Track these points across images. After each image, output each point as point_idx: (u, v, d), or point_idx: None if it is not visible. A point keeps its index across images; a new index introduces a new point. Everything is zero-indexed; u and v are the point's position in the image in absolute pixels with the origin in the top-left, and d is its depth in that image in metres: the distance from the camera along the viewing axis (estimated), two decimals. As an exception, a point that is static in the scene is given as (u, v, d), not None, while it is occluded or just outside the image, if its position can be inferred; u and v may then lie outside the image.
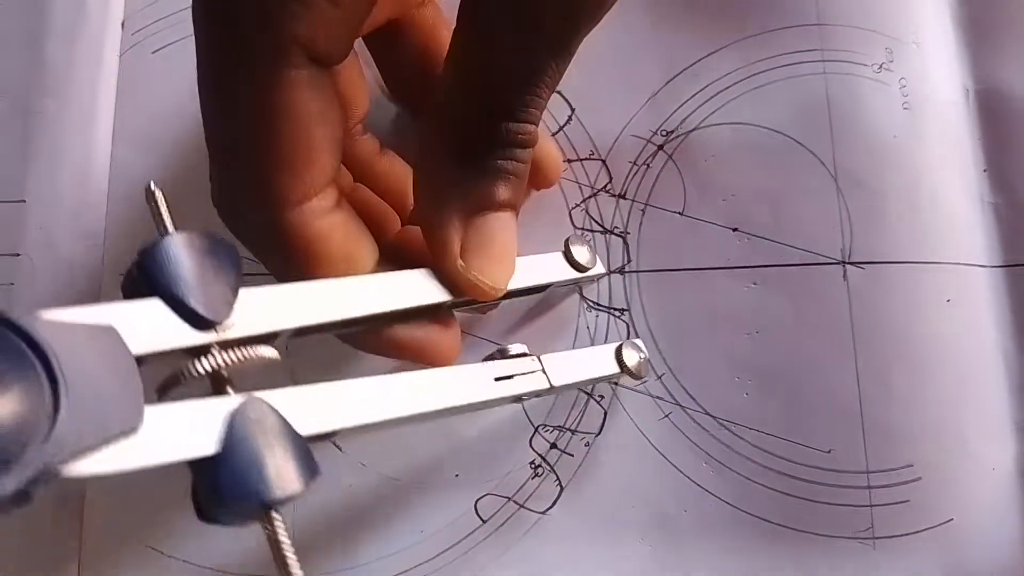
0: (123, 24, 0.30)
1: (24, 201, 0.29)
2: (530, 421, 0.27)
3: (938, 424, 0.26)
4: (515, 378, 0.22)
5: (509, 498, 0.27)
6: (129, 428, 0.13)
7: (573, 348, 0.28)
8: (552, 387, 0.23)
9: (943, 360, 0.27)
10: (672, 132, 0.29)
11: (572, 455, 0.27)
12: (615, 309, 0.28)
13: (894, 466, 0.26)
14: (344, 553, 0.27)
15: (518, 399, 0.22)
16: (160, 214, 0.17)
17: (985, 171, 0.28)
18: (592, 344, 0.28)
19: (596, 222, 0.29)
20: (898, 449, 0.26)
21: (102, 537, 0.27)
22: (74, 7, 0.30)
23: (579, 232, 0.28)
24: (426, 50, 0.25)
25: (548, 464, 0.27)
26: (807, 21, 0.29)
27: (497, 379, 0.21)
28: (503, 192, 0.21)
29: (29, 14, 0.31)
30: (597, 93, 0.29)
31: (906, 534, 0.26)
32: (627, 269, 0.28)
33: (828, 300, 0.27)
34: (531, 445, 0.27)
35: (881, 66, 0.29)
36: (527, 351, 0.23)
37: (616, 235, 0.28)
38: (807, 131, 0.28)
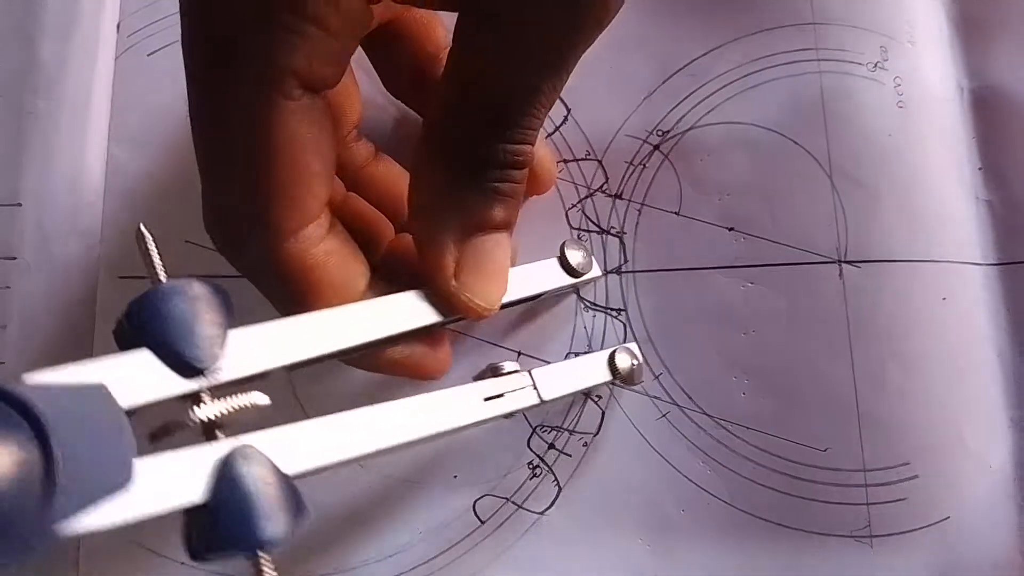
0: (119, 26, 0.30)
1: (19, 204, 0.29)
2: (528, 422, 0.27)
3: (935, 422, 0.26)
4: (505, 396, 0.22)
5: (507, 499, 0.27)
6: (120, 485, 0.14)
7: (570, 348, 0.28)
8: (543, 402, 0.23)
9: (939, 358, 0.27)
10: (668, 132, 0.29)
11: (570, 455, 0.27)
12: (612, 309, 0.28)
13: (891, 464, 0.26)
14: (343, 554, 0.27)
15: (509, 416, 0.22)
16: (151, 260, 0.17)
17: (980, 169, 0.29)
18: (589, 344, 0.28)
19: (592, 222, 0.29)
20: (895, 447, 0.26)
21: (101, 540, 0.27)
22: (67, 8, 0.30)
23: (575, 235, 0.28)
24: (422, 49, 0.25)
25: (546, 464, 0.27)
26: (802, 20, 0.29)
27: (487, 399, 0.21)
28: (498, 213, 0.21)
29: (22, 14, 0.31)
30: (593, 93, 0.29)
31: (903, 532, 0.26)
32: (624, 269, 0.28)
33: (824, 299, 0.27)
34: (529, 446, 0.27)
35: (876, 65, 0.29)
36: (518, 368, 0.23)
37: (613, 235, 0.28)
38: (802, 130, 0.28)
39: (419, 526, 0.27)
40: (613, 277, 0.28)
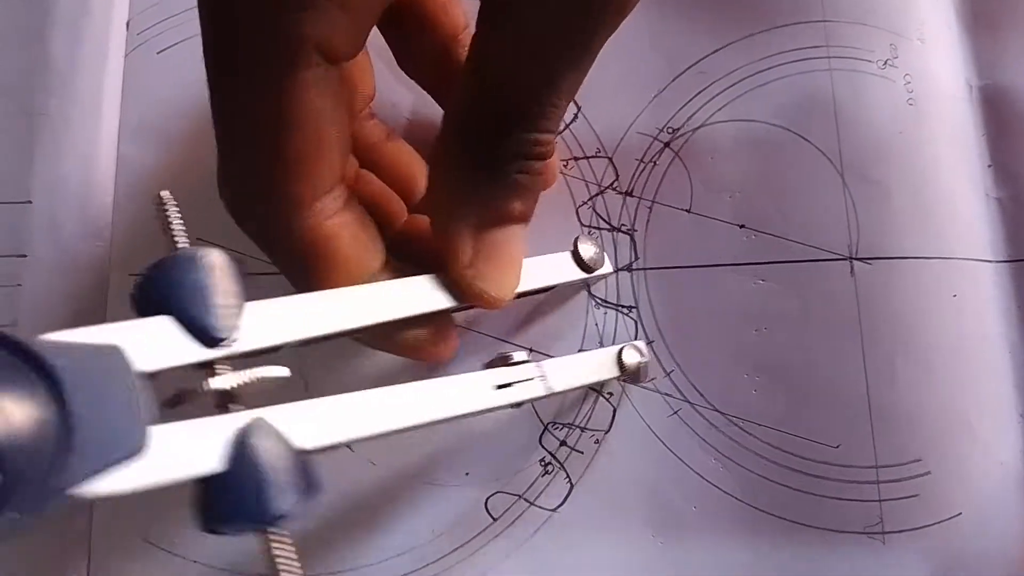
0: (128, 24, 0.30)
1: (30, 202, 0.29)
2: (539, 419, 0.27)
3: (946, 418, 0.26)
4: (514, 385, 0.22)
5: (519, 496, 0.27)
6: (136, 449, 0.14)
7: (581, 346, 0.28)
8: (551, 393, 0.23)
9: (950, 354, 0.27)
10: (678, 129, 0.29)
11: (582, 452, 0.27)
12: (623, 306, 0.28)
13: (903, 460, 0.26)
14: (354, 552, 0.27)
15: (517, 405, 0.22)
16: (170, 225, 0.17)
17: (989, 166, 0.29)
18: (600, 341, 0.28)
19: (603, 219, 0.29)
20: (907, 443, 0.26)
21: (112, 537, 0.27)
22: (77, 7, 0.30)
23: (587, 231, 0.28)
24: (439, 29, 0.25)
25: (558, 461, 0.27)
26: (812, 18, 0.29)
27: (497, 387, 0.21)
28: (518, 206, 0.21)
29: (32, 13, 0.31)
30: (603, 90, 0.29)
31: (915, 528, 0.26)
32: (635, 266, 0.28)
33: (835, 296, 0.27)
34: (541, 443, 0.27)
35: (886, 62, 0.29)
36: (528, 358, 0.23)
37: (623, 232, 0.28)
38: (813, 127, 0.28)
39: (431, 523, 0.27)
40: (624, 274, 0.28)
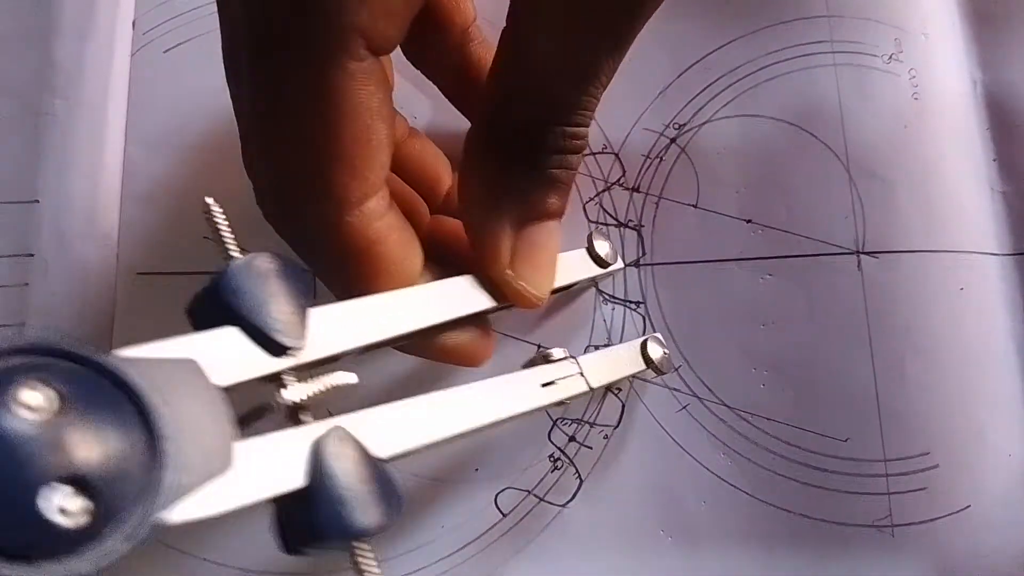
0: (134, 24, 0.30)
1: (37, 201, 0.29)
2: (548, 415, 0.27)
3: (954, 411, 0.26)
4: (557, 383, 0.22)
5: (529, 492, 0.27)
6: (221, 470, 0.13)
7: (590, 342, 0.28)
8: (591, 389, 0.23)
9: (958, 348, 0.27)
10: (684, 125, 0.29)
11: (591, 448, 0.27)
12: (631, 302, 0.28)
13: (911, 454, 0.26)
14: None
15: (561, 403, 0.22)
16: (220, 233, 0.16)
17: (995, 160, 0.29)
18: (608, 337, 0.28)
19: (610, 215, 0.29)
20: (915, 437, 0.26)
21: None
22: (83, 7, 0.30)
23: (597, 227, 0.28)
24: (450, 20, 0.24)
25: (567, 457, 0.27)
26: (817, 13, 0.29)
27: (543, 385, 0.21)
28: (554, 201, 0.21)
29: (38, 14, 0.31)
30: (609, 87, 0.29)
31: (924, 521, 0.26)
32: (642, 262, 0.28)
33: (842, 290, 0.27)
34: (550, 439, 0.27)
35: (891, 57, 0.29)
36: (566, 355, 0.23)
37: (630, 228, 0.29)
38: (818, 122, 0.29)
39: (442, 520, 0.27)
40: (631, 270, 0.28)
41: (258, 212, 0.28)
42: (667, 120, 0.29)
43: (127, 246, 0.29)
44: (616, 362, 0.25)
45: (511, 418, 0.20)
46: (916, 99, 0.29)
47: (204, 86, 0.30)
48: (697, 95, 0.29)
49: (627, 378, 0.27)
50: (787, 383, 0.27)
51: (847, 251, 0.28)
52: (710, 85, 0.29)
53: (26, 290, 0.28)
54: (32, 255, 0.29)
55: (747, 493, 0.26)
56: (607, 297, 0.28)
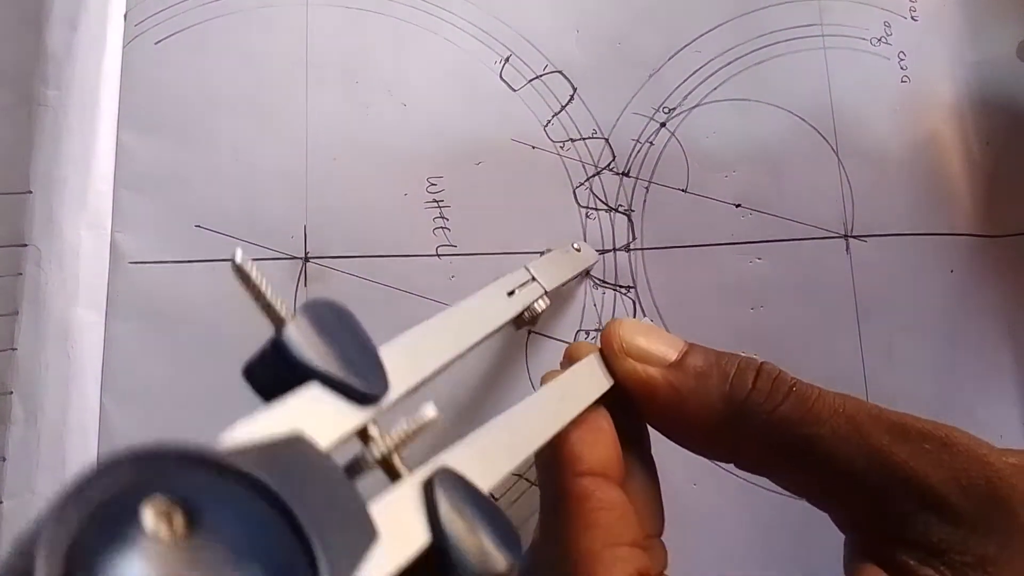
0: (126, 16, 0.31)
1: (31, 192, 0.29)
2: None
3: (943, 394, 0.27)
4: (517, 292, 0.22)
5: (520, 476, 0.27)
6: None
7: (580, 326, 0.28)
8: (545, 292, 0.23)
9: (947, 330, 0.27)
10: (674, 109, 0.29)
11: (582, 431, 0.27)
12: (621, 286, 0.28)
13: (901, 435, 0.26)
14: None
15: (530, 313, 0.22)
16: (262, 292, 0.14)
17: (986, 144, 0.29)
18: (600, 321, 0.28)
19: (600, 200, 0.29)
20: (905, 418, 0.26)
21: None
22: (75, -2, 0.31)
23: (583, 213, 0.28)
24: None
25: (558, 440, 0.27)
26: (806, -4, 0.29)
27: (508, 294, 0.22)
28: None
29: (30, 4, 0.31)
30: (599, 71, 0.29)
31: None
32: (632, 246, 0.28)
33: (831, 273, 0.27)
34: (541, 422, 0.27)
35: (880, 40, 0.29)
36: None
37: (620, 212, 0.29)
38: (808, 106, 0.29)
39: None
40: (622, 254, 0.28)
41: (260, 205, 0.28)
42: (657, 104, 0.29)
43: (119, 235, 0.29)
44: (560, 265, 0.25)
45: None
46: (905, 82, 0.29)
47: (195, 77, 0.30)
48: (687, 79, 0.29)
49: (574, 277, 0.27)
50: (776, 365, 0.27)
51: (836, 234, 0.28)
52: (700, 69, 0.29)
53: (19, 279, 0.29)
54: (26, 245, 0.29)
55: (737, 475, 0.27)
56: (597, 281, 0.28)
